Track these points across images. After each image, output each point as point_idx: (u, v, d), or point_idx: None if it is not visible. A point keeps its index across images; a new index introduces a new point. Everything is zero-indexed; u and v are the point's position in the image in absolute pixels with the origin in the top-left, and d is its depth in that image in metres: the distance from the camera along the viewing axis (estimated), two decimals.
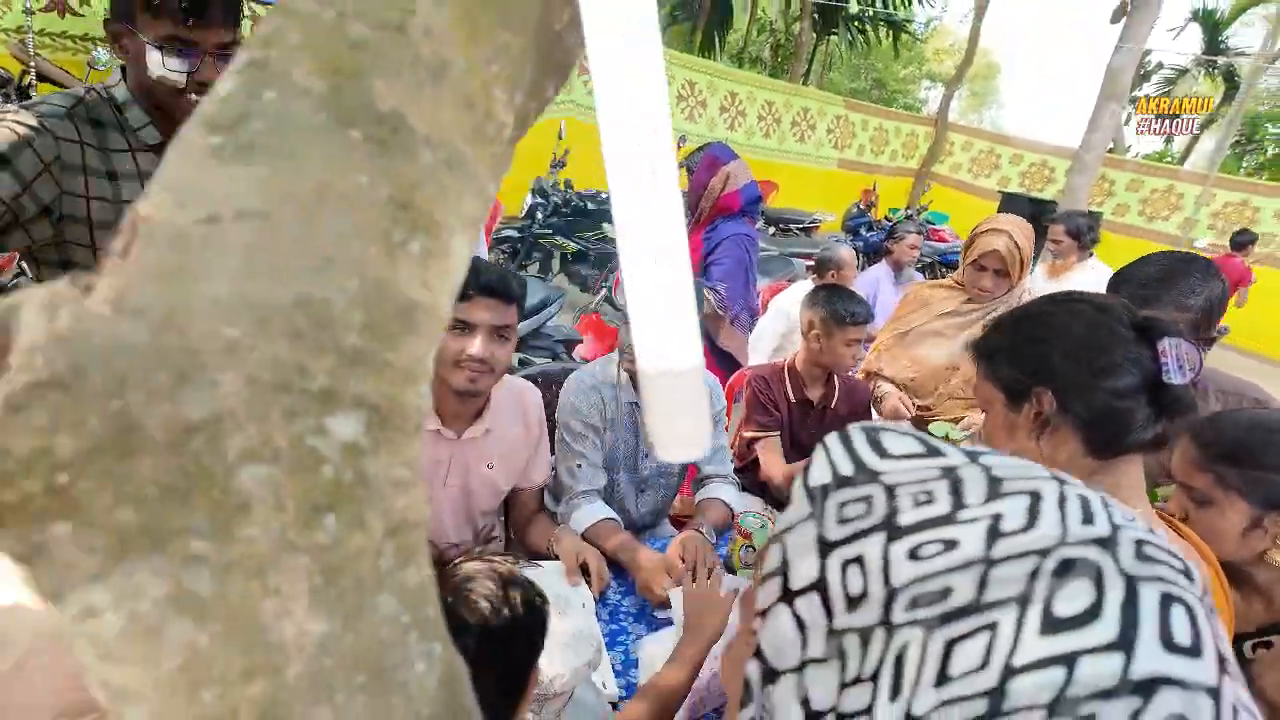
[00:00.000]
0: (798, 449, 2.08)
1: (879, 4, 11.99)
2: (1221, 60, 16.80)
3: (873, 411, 2.19)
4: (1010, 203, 8.58)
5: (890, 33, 12.37)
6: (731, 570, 1.60)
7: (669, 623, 1.41)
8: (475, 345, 1.36)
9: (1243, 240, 6.84)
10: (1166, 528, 0.72)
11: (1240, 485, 1.03)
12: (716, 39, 11.65)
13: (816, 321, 1.97)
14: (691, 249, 2.45)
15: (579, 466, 1.71)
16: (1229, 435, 1.07)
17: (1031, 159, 11.59)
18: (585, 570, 1.50)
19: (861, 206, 8.69)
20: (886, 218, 8.53)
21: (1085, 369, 0.83)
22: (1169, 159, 17.23)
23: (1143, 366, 0.81)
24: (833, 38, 12.75)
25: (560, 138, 5.57)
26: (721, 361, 2.67)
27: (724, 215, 2.68)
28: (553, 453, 1.77)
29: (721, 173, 2.66)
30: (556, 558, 1.55)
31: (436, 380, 1.44)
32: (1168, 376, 0.79)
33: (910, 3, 12.19)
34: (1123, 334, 0.82)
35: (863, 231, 8.04)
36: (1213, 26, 16.34)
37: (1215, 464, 1.05)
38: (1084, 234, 3.63)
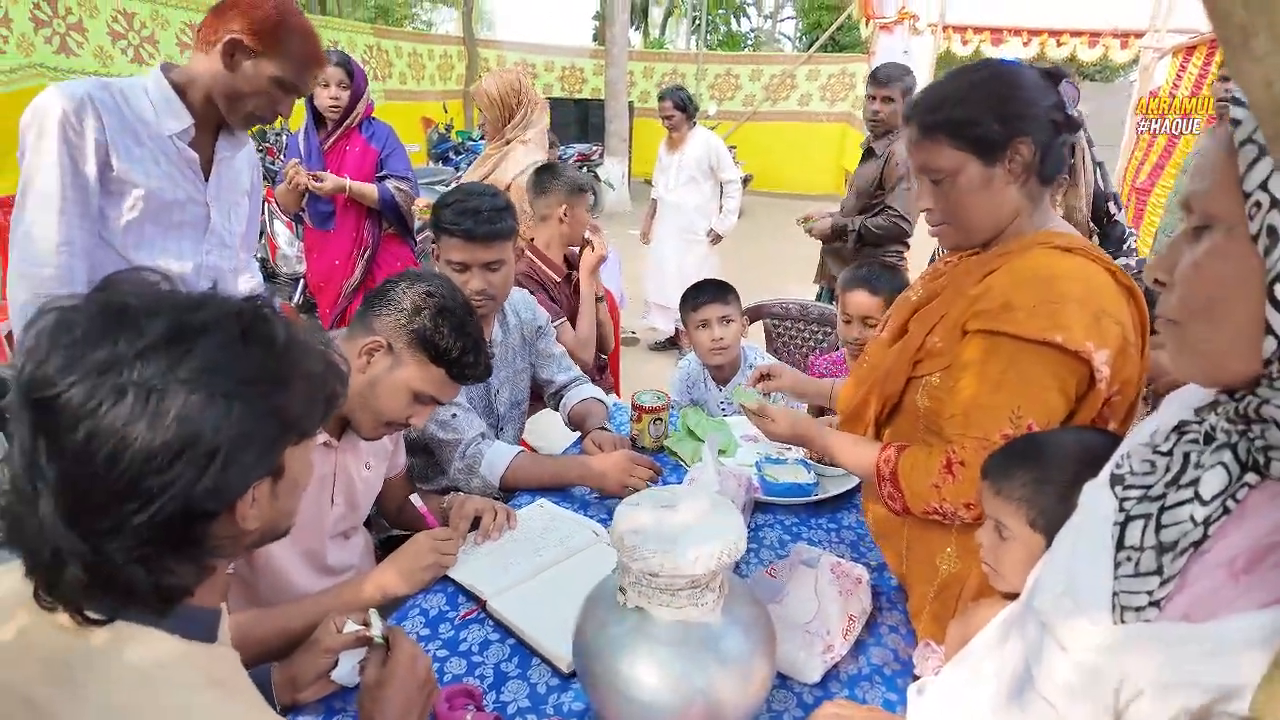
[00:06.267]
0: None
1: None
2: None
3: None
4: (558, 106, 9.25)
5: None
6: (642, 448, 1.60)
7: None
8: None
9: None
10: None
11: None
12: None
13: (564, 197, 2.14)
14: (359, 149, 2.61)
15: (453, 417, 1.50)
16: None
17: (563, 63, 12.49)
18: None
19: (441, 132, 8.52)
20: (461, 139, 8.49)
21: (1041, 109, 0.98)
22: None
23: (1057, 103, 1.01)
24: None
25: None
26: None
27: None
28: None
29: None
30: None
31: None
32: (1071, 110, 1.02)
33: None
34: (1040, 81, 1.01)
35: (453, 156, 7.92)
36: None
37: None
38: (689, 105, 4.15)
